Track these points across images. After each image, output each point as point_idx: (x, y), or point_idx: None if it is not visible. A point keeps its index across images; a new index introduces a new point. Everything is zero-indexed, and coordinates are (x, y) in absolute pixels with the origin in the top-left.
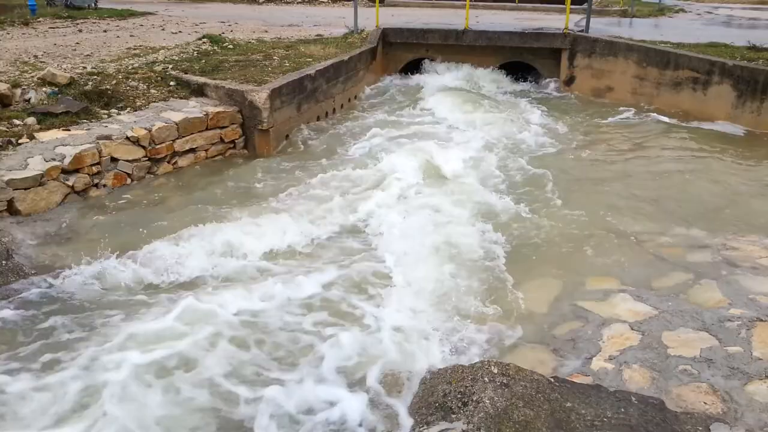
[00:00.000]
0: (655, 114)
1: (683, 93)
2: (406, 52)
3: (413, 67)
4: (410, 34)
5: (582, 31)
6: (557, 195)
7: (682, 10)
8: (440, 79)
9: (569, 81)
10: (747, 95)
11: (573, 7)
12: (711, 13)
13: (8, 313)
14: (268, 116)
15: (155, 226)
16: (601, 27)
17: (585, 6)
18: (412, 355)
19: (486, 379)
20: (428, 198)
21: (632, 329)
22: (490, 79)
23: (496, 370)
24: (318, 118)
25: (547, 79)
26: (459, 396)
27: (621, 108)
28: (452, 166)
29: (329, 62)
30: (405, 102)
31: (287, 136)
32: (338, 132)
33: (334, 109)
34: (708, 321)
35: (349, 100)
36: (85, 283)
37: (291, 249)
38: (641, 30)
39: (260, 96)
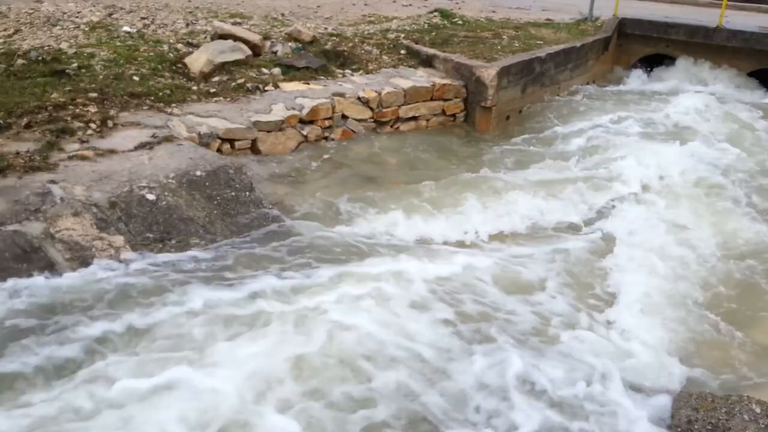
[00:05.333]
0: None
1: None
2: (642, 46)
3: (646, 63)
4: (651, 26)
5: None
6: None
7: None
8: (682, 78)
9: None
10: None
11: None
12: None
13: (249, 241)
14: (494, 94)
15: (375, 181)
16: None
17: None
18: (646, 370)
19: (746, 416)
20: (665, 208)
21: None
22: (742, 86)
23: (758, 410)
24: (540, 102)
25: None
26: (709, 428)
27: None
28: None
29: (560, 47)
30: (642, 99)
31: (508, 116)
32: (563, 119)
33: (557, 96)
34: None
35: (575, 88)
36: (309, 225)
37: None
38: None
39: (488, 73)
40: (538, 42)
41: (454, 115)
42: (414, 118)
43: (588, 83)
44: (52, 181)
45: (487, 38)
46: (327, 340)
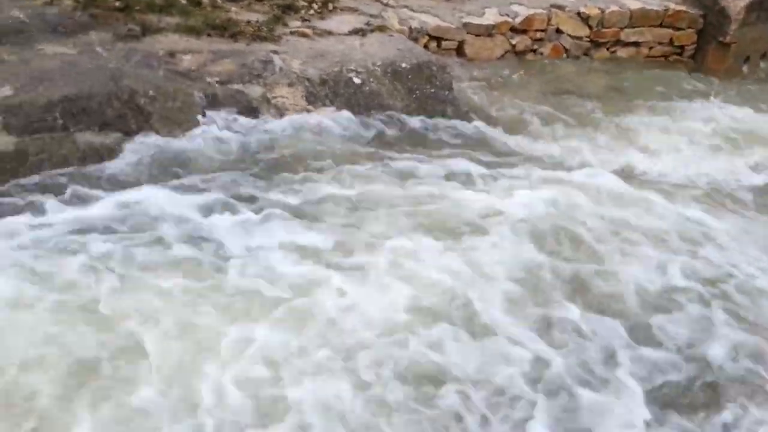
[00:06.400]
0: None
1: None
2: None
3: None
4: None
5: None
6: None
7: None
8: None
9: None
10: None
11: None
12: None
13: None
14: (737, 29)
15: (580, 104)
16: None
17: None
18: None
19: None
20: None
21: None
22: None
23: None
24: None
25: None
26: None
27: None
28: None
29: None
30: None
31: (747, 58)
32: None
33: None
34: None
35: None
36: (502, 134)
37: None
38: None
39: (736, 3)
40: None
41: (682, 48)
42: (635, 44)
43: None
44: (275, 52)
45: None
46: None
